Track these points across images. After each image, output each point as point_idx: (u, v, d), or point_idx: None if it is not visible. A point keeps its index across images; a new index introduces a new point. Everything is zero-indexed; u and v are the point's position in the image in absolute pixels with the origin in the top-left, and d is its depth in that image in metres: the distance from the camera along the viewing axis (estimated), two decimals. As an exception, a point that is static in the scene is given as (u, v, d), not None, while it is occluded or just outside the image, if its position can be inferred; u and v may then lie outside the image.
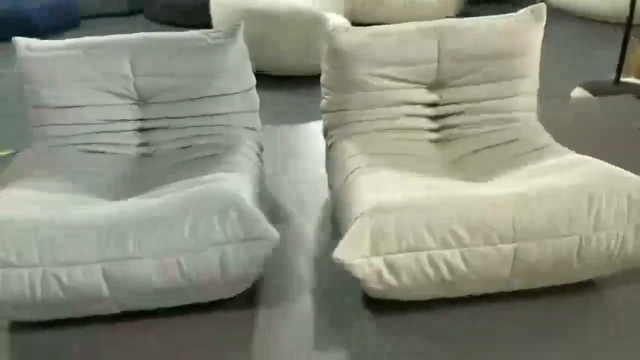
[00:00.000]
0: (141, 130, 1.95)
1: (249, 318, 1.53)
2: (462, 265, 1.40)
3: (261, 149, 2.03)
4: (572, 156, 1.66)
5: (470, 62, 1.92)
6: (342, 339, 1.46)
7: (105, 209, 1.48)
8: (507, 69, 1.92)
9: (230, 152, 1.83)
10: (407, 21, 1.98)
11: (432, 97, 1.96)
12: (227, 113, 1.94)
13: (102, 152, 1.90)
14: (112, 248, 1.35)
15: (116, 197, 1.69)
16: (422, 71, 1.91)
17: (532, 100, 1.98)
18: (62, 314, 1.45)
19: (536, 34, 1.93)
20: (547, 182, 1.50)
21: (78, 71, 1.87)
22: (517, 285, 1.50)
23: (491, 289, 1.51)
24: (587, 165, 1.57)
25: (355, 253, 1.38)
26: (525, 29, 1.91)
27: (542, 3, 2.03)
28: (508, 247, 1.41)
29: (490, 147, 1.86)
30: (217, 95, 1.92)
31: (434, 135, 1.94)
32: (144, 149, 1.94)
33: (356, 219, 1.42)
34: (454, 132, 1.94)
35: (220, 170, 1.67)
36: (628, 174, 1.49)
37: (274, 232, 1.42)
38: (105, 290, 1.36)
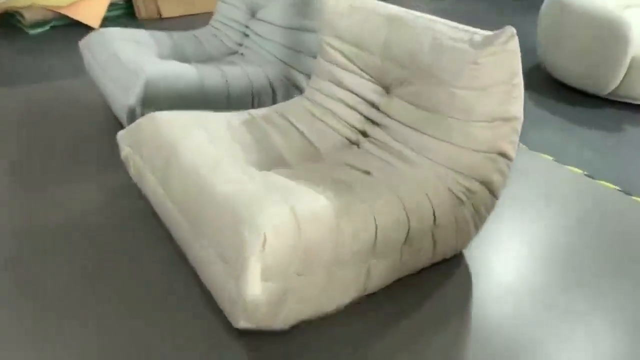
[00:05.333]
0: (244, 34, 2.52)
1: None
2: (159, 189, 1.51)
3: (283, 84, 2.26)
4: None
5: (404, 71, 1.51)
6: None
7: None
8: (434, 99, 1.41)
9: (248, 67, 2.22)
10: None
11: (375, 97, 1.67)
12: (270, 40, 2.26)
13: (217, 37, 2.60)
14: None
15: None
16: (368, 61, 1.65)
17: (451, 153, 1.39)
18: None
19: (486, 69, 1.30)
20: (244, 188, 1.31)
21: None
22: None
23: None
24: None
25: (124, 138, 1.71)
26: (465, 52, 1.31)
27: (509, 28, 1.26)
28: (160, 191, 1.44)
29: (351, 166, 1.53)
30: (264, 21, 2.27)
31: (354, 137, 1.69)
32: (236, 47, 2.52)
33: (149, 116, 1.70)
34: (369, 145, 1.63)
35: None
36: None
37: None
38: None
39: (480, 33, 1.36)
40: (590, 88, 3.00)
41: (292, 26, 2.19)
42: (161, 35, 2.58)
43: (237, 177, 1.33)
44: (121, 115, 2.04)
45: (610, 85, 2.88)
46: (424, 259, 1.46)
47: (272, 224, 1.14)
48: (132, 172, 1.68)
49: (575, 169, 2.30)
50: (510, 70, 1.33)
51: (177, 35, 2.63)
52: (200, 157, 1.43)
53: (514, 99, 1.37)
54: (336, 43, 1.77)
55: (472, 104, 1.34)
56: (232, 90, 2.13)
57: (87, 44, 2.49)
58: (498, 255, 1.69)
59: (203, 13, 4.70)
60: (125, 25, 4.31)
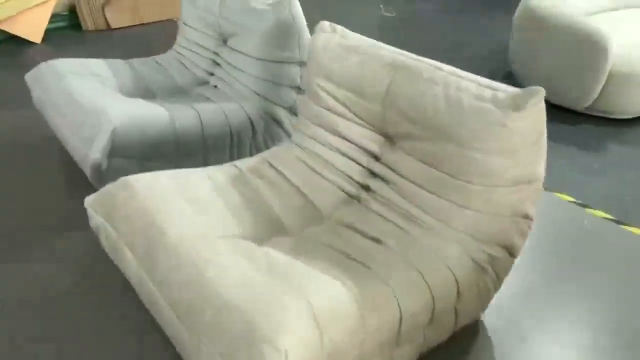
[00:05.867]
0: (214, 62, 2.30)
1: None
2: (142, 274, 1.31)
3: (264, 120, 2.07)
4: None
5: (412, 126, 1.37)
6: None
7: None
8: (451, 161, 1.28)
9: (224, 104, 2.03)
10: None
11: (376, 148, 1.52)
12: (245, 72, 2.06)
13: (183, 65, 2.38)
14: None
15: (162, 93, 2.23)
16: (367, 109, 1.51)
17: (471, 220, 1.26)
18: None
19: (514, 133, 1.18)
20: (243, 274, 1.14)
21: (199, 1, 2.34)
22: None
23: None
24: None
25: (94, 205, 1.48)
26: (490, 114, 1.19)
27: (539, 88, 1.16)
28: (144, 278, 1.25)
29: (358, 231, 1.38)
30: (237, 51, 2.07)
31: (355, 191, 1.54)
32: (207, 77, 2.30)
33: (122, 182, 1.48)
34: (373, 202, 1.47)
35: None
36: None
37: None
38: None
39: (502, 89, 1.23)
40: (566, 102, 2.96)
41: (271, 59, 2.00)
42: (120, 64, 2.32)
43: (239, 265, 1.16)
44: (83, 166, 1.81)
45: (587, 99, 2.85)
46: (446, 333, 1.34)
47: (293, 338, 0.97)
48: (104, 243, 1.46)
49: (566, 197, 2.24)
50: (538, 132, 1.21)
51: (138, 63, 2.39)
52: (190, 238, 1.25)
53: (540, 160, 1.26)
54: (328, 86, 1.60)
55: (496, 169, 1.22)
56: (207, 131, 1.93)
57: (35, 78, 2.22)
58: (510, 300, 1.60)
59: (153, 22, 4.40)
60: (71, 38, 3.97)
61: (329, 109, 1.62)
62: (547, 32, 2.94)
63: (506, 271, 1.40)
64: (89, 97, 1.91)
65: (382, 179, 1.50)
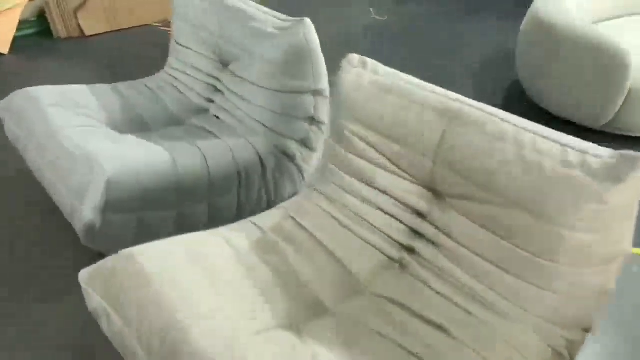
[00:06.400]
0: (214, 88, 2.06)
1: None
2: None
3: (274, 155, 1.84)
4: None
5: (472, 186, 1.17)
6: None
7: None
8: (529, 235, 1.08)
9: (230, 139, 1.80)
10: None
11: (422, 204, 1.32)
12: (252, 103, 1.83)
13: (178, 89, 2.12)
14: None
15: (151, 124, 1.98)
16: (412, 161, 1.30)
17: (554, 304, 1.08)
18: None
19: (611, 207, 0.99)
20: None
21: (194, 17, 2.08)
22: None
23: None
24: None
25: (91, 282, 1.24)
26: (583, 186, 1.00)
27: (636, 155, 0.98)
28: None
29: (407, 309, 1.18)
30: (242, 78, 1.84)
31: (396, 253, 1.33)
32: (206, 104, 2.05)
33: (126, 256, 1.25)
34: (416, 266, 1.28)
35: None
36: None
37: None
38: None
39: (591, 152, 1.03)
40: (582, 119, 2.81)
41: (282, 89, 1.77)
42: (105, 91, 2.06)
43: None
44: (72, 221, 1.55)
45: (605, 116, 2.70)
46: None
47: None
48: (106, 329, 1.23)
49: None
50: (634, 204, 1.02)
51: (125, 87, 2.12)
52: (219, 338, 1.02)
53: (631, 232, 1.07)
54: (362, 132, 1.39)
55: (586, 247, 1.03)
56: (214, 173, 1.69)
57: (8, 109, 1.94)
58: None
59: (131, 28, 4.08)
60: (42, 47, 3.64)
61: (362, 158, 1.40)
62: (561, 44, 2.77)
63: (579, 350, 1.22)
64: (76, 138, 1.65)
65: (430, 241, 1.29)
